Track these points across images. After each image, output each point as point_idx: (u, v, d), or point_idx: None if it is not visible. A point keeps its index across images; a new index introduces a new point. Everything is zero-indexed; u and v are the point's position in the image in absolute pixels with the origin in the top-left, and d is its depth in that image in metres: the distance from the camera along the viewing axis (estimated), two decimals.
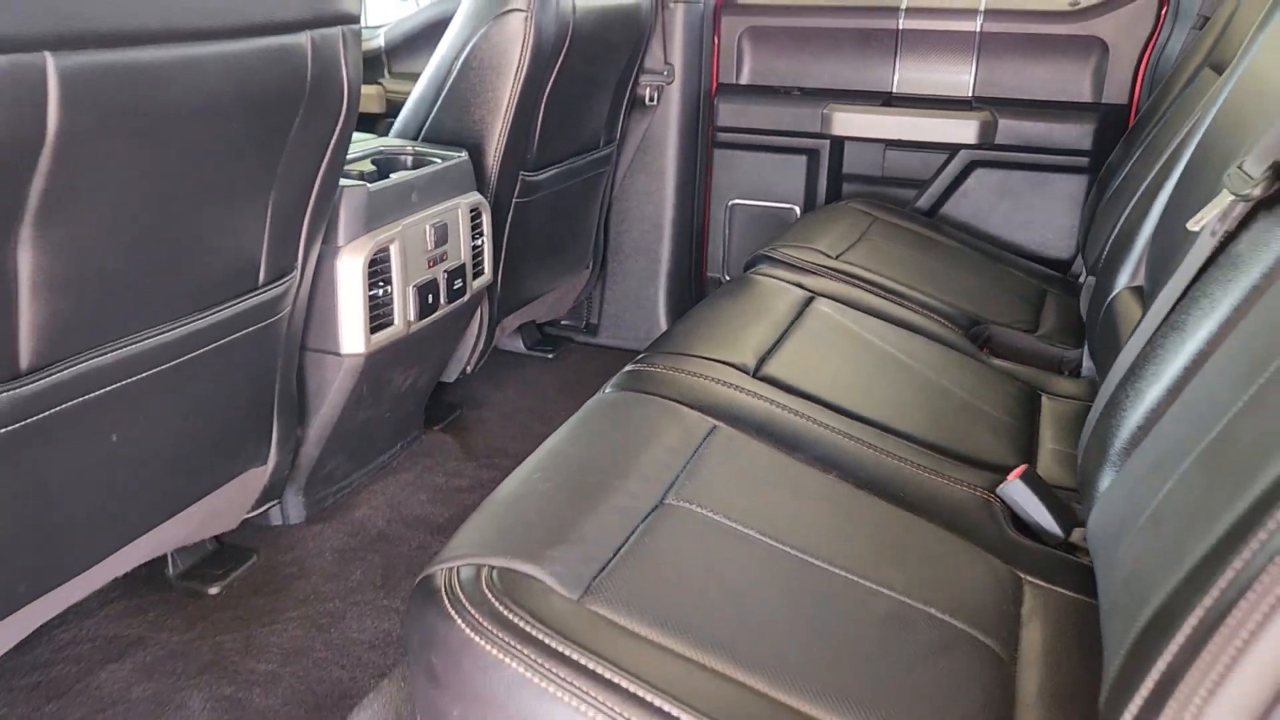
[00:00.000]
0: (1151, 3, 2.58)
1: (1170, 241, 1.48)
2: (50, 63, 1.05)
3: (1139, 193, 1.85)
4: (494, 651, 0.90)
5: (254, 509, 1.89)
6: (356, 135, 2.02)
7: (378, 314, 1.89)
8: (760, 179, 3.03)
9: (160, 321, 1.40)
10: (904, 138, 2.82)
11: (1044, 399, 1.80)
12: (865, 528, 1.25)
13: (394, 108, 2.87)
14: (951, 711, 0.97)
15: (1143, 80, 2.62)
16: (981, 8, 2.73)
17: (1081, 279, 2.34)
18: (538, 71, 2.25)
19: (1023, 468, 1.40)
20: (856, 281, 2.11)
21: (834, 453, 1.41)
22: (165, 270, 1.38)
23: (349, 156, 1.87)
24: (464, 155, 2.16)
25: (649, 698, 0.87)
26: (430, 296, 2.01)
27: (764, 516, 1.20)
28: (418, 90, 2.34)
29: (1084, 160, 2.69)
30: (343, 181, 1.80)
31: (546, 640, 0.91)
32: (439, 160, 2.09)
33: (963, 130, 2.74)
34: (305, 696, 1.62)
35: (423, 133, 2.32)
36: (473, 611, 0.93)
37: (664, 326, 3.04)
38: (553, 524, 1.09)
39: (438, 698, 0.94)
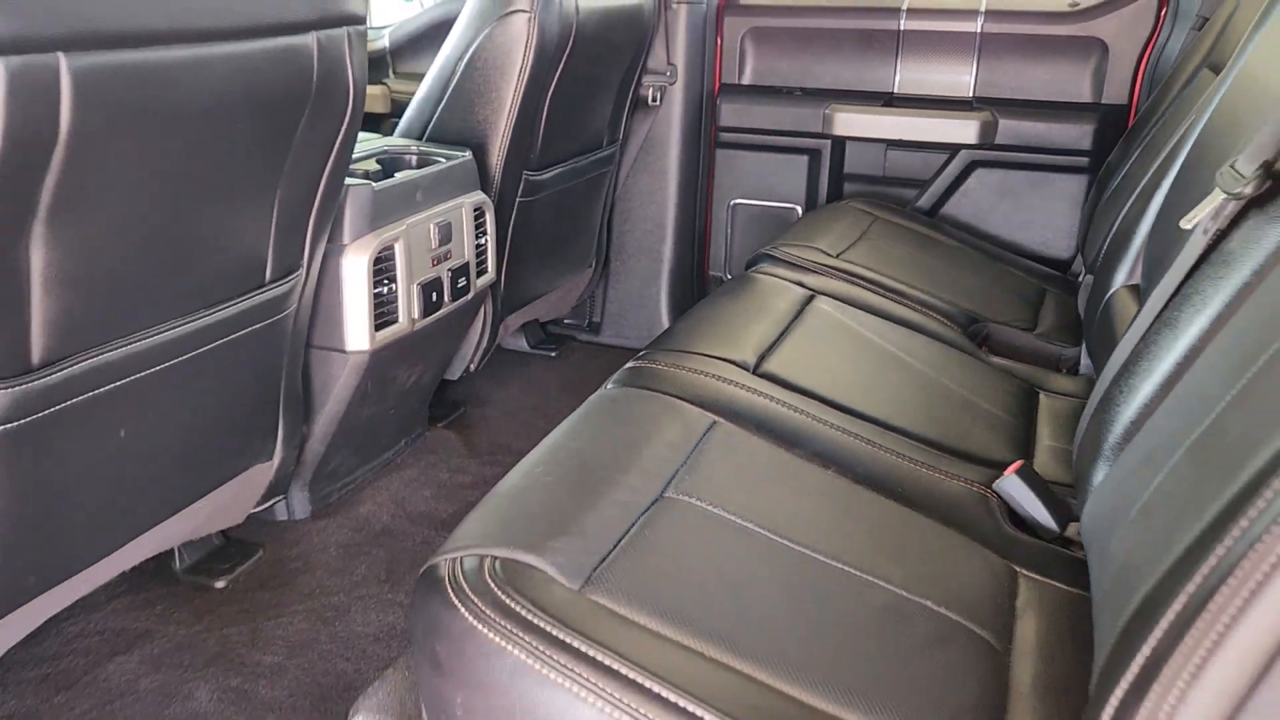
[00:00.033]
0: (1151, 4, 2.60)
1: (1165, 240, 1.50)
2: (63, 63, 1.08)
3: (1136, 192, 1.86)
4: (496, 639, 0.92)
5: (260, 504, 1.91)
6: (362, 135, 2.05)
7: (382, 311, 1.91)
8: (762, 179, 3.05)
9: (168, 318, 1.42)
10: (905, 138, 2.84)
11: (1041, 396, 1.82)
12: (863, 522, 1.27)
13: (399, 108, 2.89)
14: (946, 701, 0.98)
15: (1142, 81, 2.64)
16: (982, 9, 2.75)
17: (1081, 278, 2.36)
18: (541, 72, 2.27)
19: (1019, 463, 1.41)
20: (856, 280, 2.13)
21: (832, 448, 1.43)
22: (173, 267, 1.40)
23: (354, 156, 1.90)
24: (468, 155, 2.18)
25: (648, 684, 0.89)
26: (434, 294, 2.03)
27: (763, 510, 1.21)
28: (422, 90, 2.36)
29: (1084, 160, 2.71)
30: (348, 180, 1.82)
31: (548, 628, 0.93)
32: (443, 160, 2.12)
33: (963, 130, 2.76)
34: (310, 688, 1.64)
35: (427, 132, 2.34)
36: (476, 600, 0.95)
37: (666, 325, 3.06)
38: (554, 516, 1.11)
39: (441, 685, 0.96)
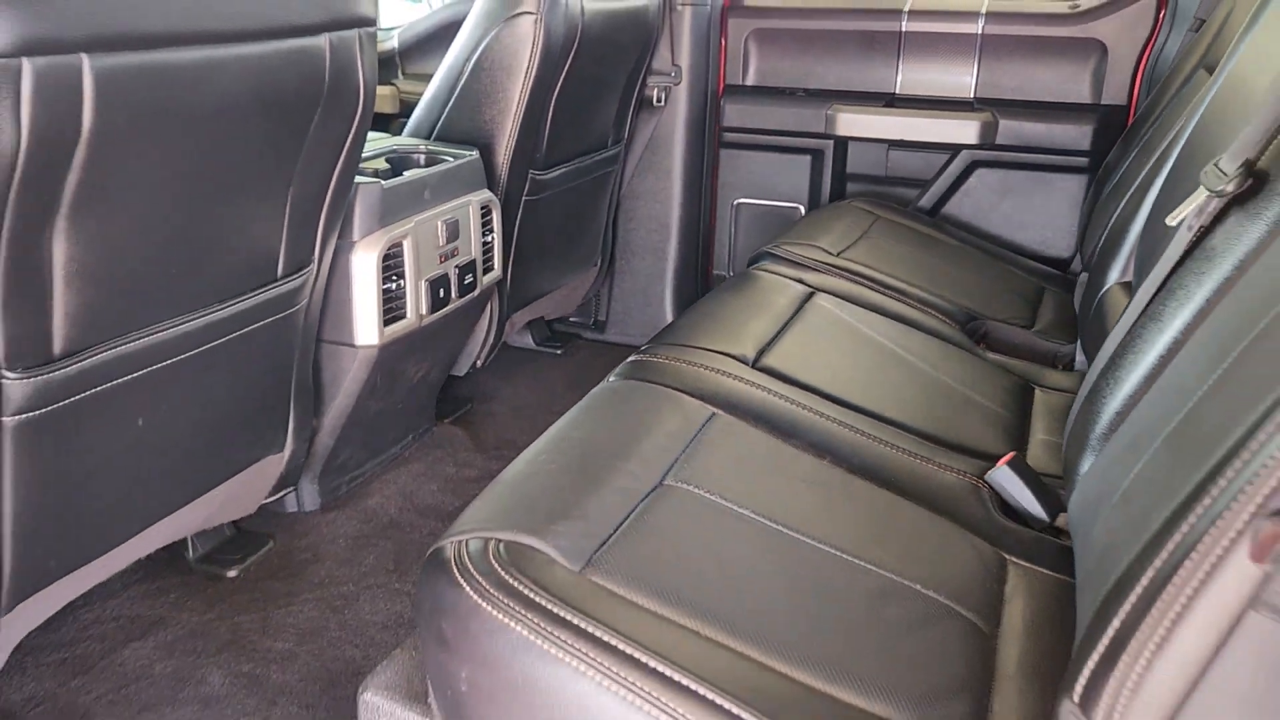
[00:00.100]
0: (1150, 5, 2.63)
1: (1155, 237, 1.53)
2: (86, 63, 1.12)
3: (1131, 191, 1.90)
4: (499, 616, 0.96)
5: (271, 495, 1.96)
6: (371, 134, 2.09)
7: (391, 307, 1.95)
8: (766, 178, 3.08)
9: (184, 311, 1.47)
10: (906, 138, 2.87)
11: (1037, 391, 1.86)
12: (856, 510, 1.30)
13: (407, 108, 2.93)
14: (933, 679, 1.02)
15: (1141, 81, 2.67)
16: (983, 10, 2.78)
17: (1078, 276, 2.39)
18: (547, 73, 2.31)
19: (1010, 455, 1.45)
20: (856, 278, 2.17)
21: (828, 439, 1.46)
22: (189, 262, 1.44)
23: (364, 155, 1.94)
24: (475, 154, 2.22)
25: (646, 660, 0.93)
26: (442, 291, 2.07)
27: (759, 498, 1.25)
28: (430, 91, 2.40)
29: (1083, 160, 2.74)
30: (358, 179, 1.86)
31: (550, 606, 0.97)
32: (451, 159, 2.16)
33: (964, 131, 2.79)
34: (320, 673, 1.69)
35: (435, 132, 2.38)
36: (480, 580, 0.99)
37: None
38: (557, 501, 1.15)
39: (447, 661, 1.00)
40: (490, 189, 2.28)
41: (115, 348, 1.36)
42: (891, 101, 2.93)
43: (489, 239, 2.26)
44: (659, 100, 2.98)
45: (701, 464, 1.30)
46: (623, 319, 3.20)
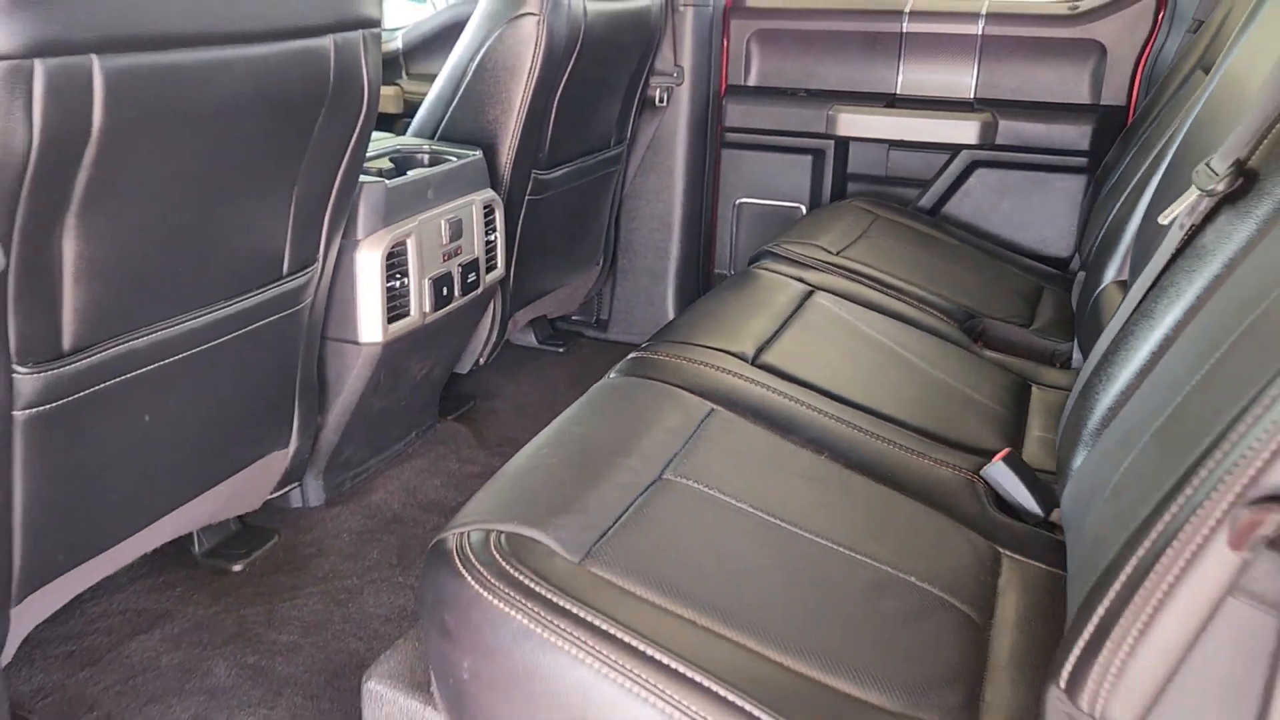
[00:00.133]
0: (1149, 6, 2.65)
1: (1150, 236, 1.55)
2: (96, 64, 1.14)
3: (1127, 190, 1.92)
4: (500, 606, 0.98)
5: (275, 490, 1.98)
6: (375, 134, 2.11)
7: (395, 305, 1.97)
8: (767, 178, 3.10)
9: (191, 308, 1.49)
10: (907, 138, 2.89)
11: (1034, 389, 1.87)
12: (853, 504, 1.32)
13: (411, 108, 2.96)
14: (926, 669, 1.04)
15: (1140, 82, 2.69)
16: (983, 11, 2.80)
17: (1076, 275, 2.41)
18: (550, 73, 2.33)
19: (1005, 451, 1.47)
20: (856, 276, 2.19)
21: (826, 435, 1.48)
22: (196, 260, 1.47)
23: (368, 154, 1.96)
24: (478, 154, 2.24)
25: (643, 648, 0.95)
26: (445, 289, 2.09)
27: (757, 492, 1.27)
28: (434, 91, 2.42)
29: (1083, 160, 2.76)
30: (362, 178, 1.89)
31: (550, 596, 0.99)
32: (454, 158, 2.18)
33: (964, 131, 2.81)
34: (324, 665, 1.71)
35: (439, 132, 2.40)
36: (482, 570, 1.01)
37: None
38: (557, 494, 1.17)
39: (449, 650, 1.02)
40: (493, 188, 2.30)
41: (123, 344, 1.38)
42: (892, 102, 2.95)
43: (492, 238, 2.28)
44: (661, 100, 3.00)
45: (700, 459, 1.32)
46: (625, 318, 3.22)
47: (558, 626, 0.96)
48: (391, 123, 3.01)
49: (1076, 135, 2.74)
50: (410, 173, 2.04)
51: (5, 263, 1.17)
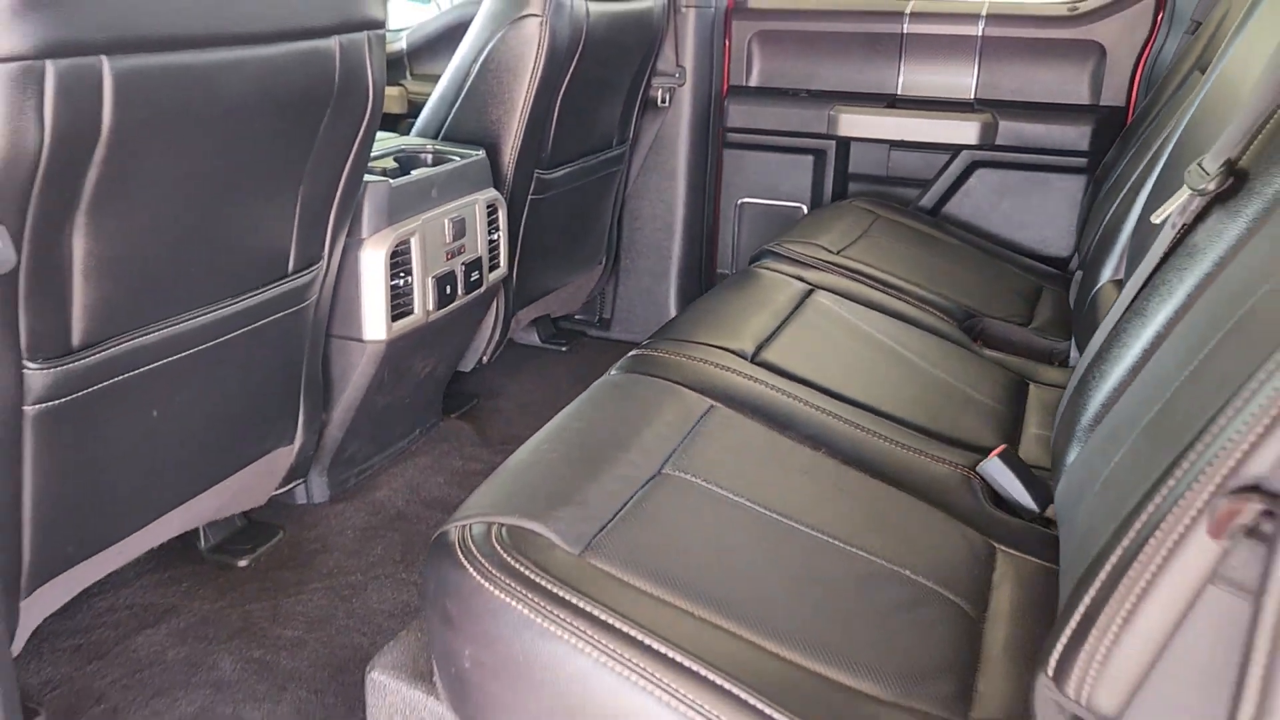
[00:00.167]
0: (1148, 8, 2.66)
1: (1145, 236, 1.57)
2: (106, 65, 1.17)
3: (1125, 190, 1.93)
4: (501, 596, 1.00)
5: (281, 487, 2.00)
6: (380, 134, 2.14)
7: (399, 303, 1.99)
8: (769, 178, 3.12)
9: (198, 305, 1.51)
10: (908, 138, 2.91)
11: (1031, 387, 1.89)
12: (849, 499, 1.34)
13: (415, 108, 2.98)
14: (919, 659, 1.06)
15: (1139, 83, 2.70)
16: (983, 13, 2.82)
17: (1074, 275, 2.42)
18: (552, 74, 2.35)
19: (1001, 447, 1.48)
20: (855, 275, 2.20)
21: (824, 432, 1.50)
22: (203, 257, 1.49)
23: (373, 154, 1.99)
24: (481, 154, 2.26)
25: (641, 638, 0.97)
26: (448, 287, 2.12)
27: (754, 487, 1.29)
28: (438, 91, 2.45)
29: (1082, 161, 2.77)
30: (367, 177, 1.91)
31: (550, 587, 1.01)
32: (458, 158, 2.20)
33: (965, 131, 2.83)
34: (329, 659, 1.73)
35: (442, 132, 2.42)
36: (483, 561, 1.03)
37: None
38: (558, 488, 1.19)
39: (452, 639, 1.04)
40: (496, 188, 2.32)
41: (131, 340, 1.41)
42: (893, 102, 2.97)
43: (495, 237, 2.30)
44: (663, 101, 3.02)
45: (699, 454, 1.34)
46: (627, 317, 3.24)
47: (557, 616, 0.98)
48: (396, 123, 3.03)
49: (1076, 136, 2.76)
50: (414, 172, 2.06)
51: (16, 260, 1.19)
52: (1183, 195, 1.24)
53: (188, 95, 1.29)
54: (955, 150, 2.90)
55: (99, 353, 1.36)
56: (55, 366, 1.30)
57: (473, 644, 1.02)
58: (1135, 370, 1.22)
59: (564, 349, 3.15)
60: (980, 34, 2.82)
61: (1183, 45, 2.43)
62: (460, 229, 2.14)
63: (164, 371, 1.48)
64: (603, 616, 0.99)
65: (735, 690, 0.93)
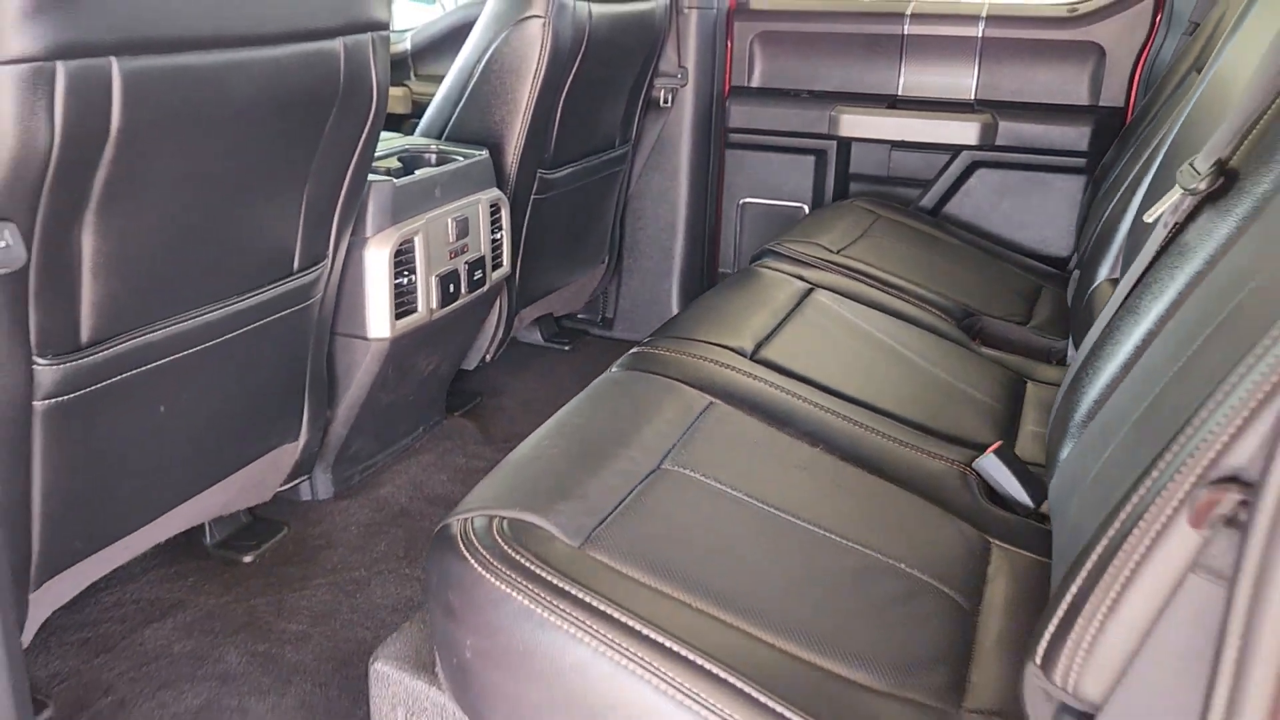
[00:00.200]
0: (1147, 9, 2.68)
1: (1139, 235, 1.58)
2: (114, 66, 1.19)
3: (1121, 190, 1.95)
4: (502, 587, 1.02)
5: (285, 483, 2.02)
6: (384, 134, 2.15)
7: (402, 301, 2.02)
8: (770, 178, 3.14)
9: (204, 303, 1.53)
10: (908, 139, 2.93)
11: (1029, 385, 1.91)
12: (846, 494, 1.36)
13: (419, 108, 3.00)
14: (913, 650, 1.08)
15: (1138, 84, 2.72)
16: (983, 14, 2.84)
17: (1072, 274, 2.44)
18: (555, 75, 2.37)
19: (997, 444, 1.50)
20: (855, 274, 2.22)
21: (821, 428, 1.52)
22: (210, 256, 1.51)
23: (377, 154, 2.01)
24: (485, 154, 2.28)
25: (639, 628, 0.99)
26: (452, 286, 2.14)
27: (752, 482, 1.31)
28: (441, 92, 2.47)
29: (1081, 161, 2.79)
30: (371, 177, 1.93)
31: (549, 578, 1.03)
32: (461, 158, 2.22)
33: (965, 132, 2.85)
34: (333, 653, 1.75)
35: (446, 132, 2.45)
36: (484, 553, 1.05)
37: None
38: (558, 482, 1.21)
39: (453, 630, 1.06)
40: (499, 188, 2.34)
41: (139, 337, 1.43)
42: (894, 103, 2.99)
43: (498, 236, 2.32)
44: (666, 101, 3.04)
45: (698, 450, 1.36)
46: (630, 316, 3.26)
47: (557, 607, 1.00)
48: (400, 123, 3.06)
49: (1076, 136, 2.77)
50: (418, 172, 2.08)
51: (27, 257, 1.21)
52: (1174, 195, 1.26)
53: (195, 96, 1.32)
54: (956, 150, 2.92)
55: (107, 349, 1.38)
56: (64, 363, 1.32)
57: (474, 634, 1.05)
58: (1127, 367, 1.24)
59: (567, 348, 3.17)
60: (980, 35, 2.84)
61: (1181, 46, 2.45)
62: (463, 228, 2.16)
63: (171, 368, 1.50)
64: (601, 607, 1.00)
65: (731, 679, 0.95)
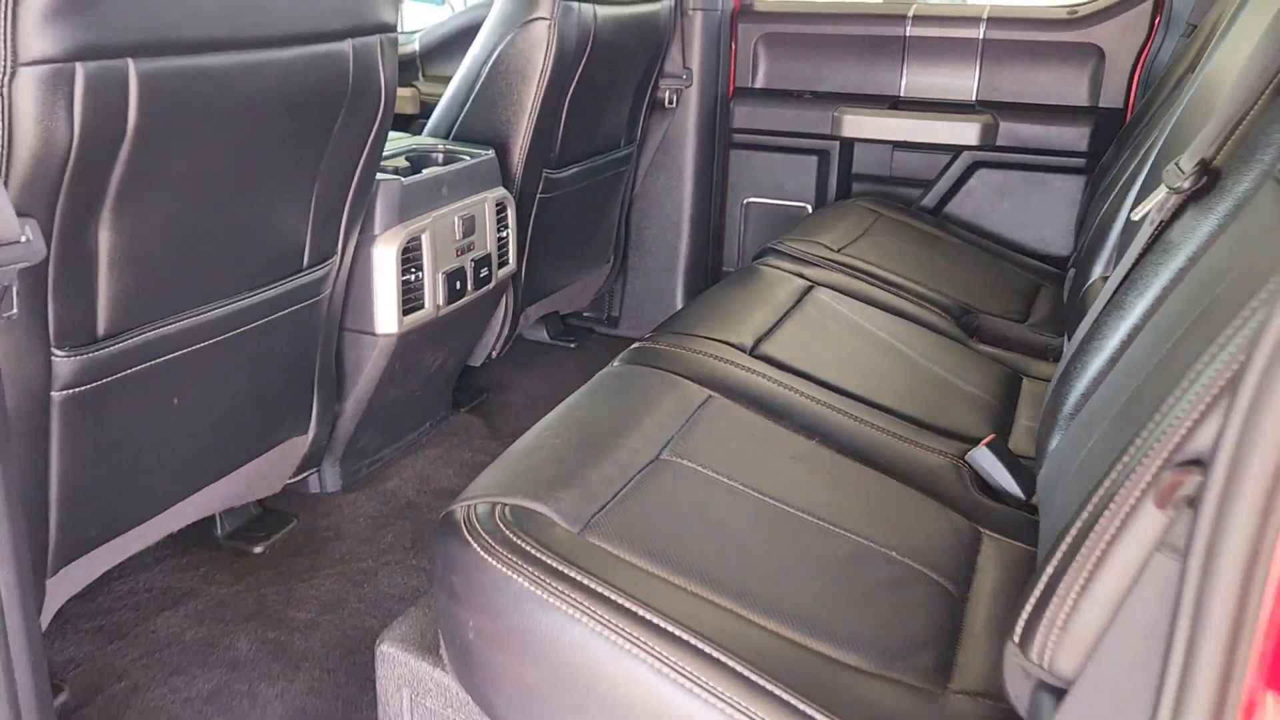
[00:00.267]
0: (1146, 11, 2.71)
1: (1131, 234, 1.61)
2: (131, 68, 1.23)
3: (1116, 190, 1.98)
4: (503, 570, 1.06)
5: (295, 475, 2.06)
6: (392, 134, 2.20)
7: (410, 298, 2.06)
8: (774, 178, 3.17)
9: (217, 298, 1.57)
10: (910, 139, 2.95)
11: (1024, 381, 1.94)
12: (841, 485, 1.39)
13: (427, 109, 3.05)
14: (902, 634, 1.11)
15: (1137, 85, 2.74)
16: (984, 16, 2.86)
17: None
18: (560, 76, 2.41)
19: (990, 437, 1.54)
20: (855, 273, 2.25)
21: (818, 421, 1.55)
22: (222, 251, 1.55)
23: (385, 153, 2.05)
24: (491, 153, 2.32)
25: (636, 609, 1.02)
26: (458, 283, 2.18)
27: (748, 472, 1.34)
28: (449, 92, 2.51)
29: (1081, 161, 2.81)
30: (379, 175, 1.97)
31: (549, 561, 1.06)
32: (468, 158, 2.26)
33: (966, 132, 2.87)
34: (341, 640, 1.79)
35: (453, 132, 2.49)
36: (487, 538, 1.09)
37: None
38: (559, 471, 1.25)
39: (457, 611, 1.10)
40: (505, 187, 2.38)
41: (153, 330, 1.47)
42: (896, 104, 3.02)
43: (504, 234, 2.36)
44: (671, 102, 3.07)
45: (697, 441, 1.39)
46: (635, 314, 3.30)
47: (556, 589, 1.04)
48: (408, 123, 3.10)
49: (1075, 137, 2.80)
50: (425, 171, 2.12)
51: (46, 252, 1.25)
52: (1160, 193, 1.29)
53: (209, 96, 1.36)
54: (957, 151, 2.95)
55: (122, 342, 1.42)
56: (81, 354, 1.36)
57: (476, 615, 1.08)
58: (1113, 361, 1.27)
59: (572, 345, 3.21)
60: (981, 37, 2.87)
61: (1178, 48, 2.48)
62: (470, 226, 2.20)
63: (184, 361, 1.54)
64: (599, 589, 1.04)
65: (723, 658, 0.99)
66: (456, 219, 2.16)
